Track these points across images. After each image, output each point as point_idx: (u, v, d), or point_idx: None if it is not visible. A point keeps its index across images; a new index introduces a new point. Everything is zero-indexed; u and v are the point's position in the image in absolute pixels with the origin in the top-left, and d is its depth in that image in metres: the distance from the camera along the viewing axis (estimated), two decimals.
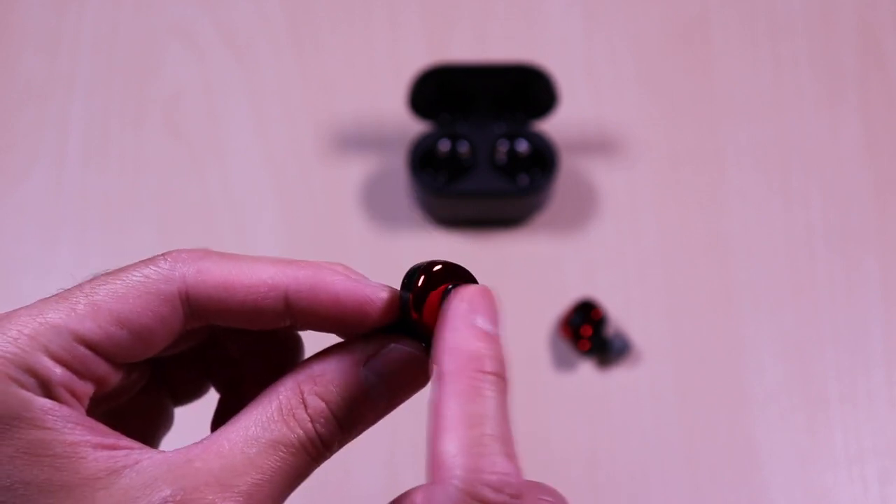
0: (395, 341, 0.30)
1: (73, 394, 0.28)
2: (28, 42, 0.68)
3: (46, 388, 0.27)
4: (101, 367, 0.28)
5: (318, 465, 0.29)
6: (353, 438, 0.29)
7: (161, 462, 0.27)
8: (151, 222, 0.63)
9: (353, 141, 0.65)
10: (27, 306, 0.28)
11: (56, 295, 0.28)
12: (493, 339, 0.28)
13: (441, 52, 0.66)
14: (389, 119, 0.65)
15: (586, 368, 0.60)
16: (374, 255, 0.62)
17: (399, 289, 0.29)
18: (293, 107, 0.67)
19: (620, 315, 0.60)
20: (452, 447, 0.26)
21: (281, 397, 0.28)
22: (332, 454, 0.29)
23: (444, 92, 0.62)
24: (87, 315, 0.28)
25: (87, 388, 0.28)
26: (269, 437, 0.27)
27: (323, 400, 0.28)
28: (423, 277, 0.29)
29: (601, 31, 0.69)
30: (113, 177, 0.65)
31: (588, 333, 0.59)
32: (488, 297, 0.28)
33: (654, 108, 0.67)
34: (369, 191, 0.64)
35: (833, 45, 0.68)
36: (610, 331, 0.60)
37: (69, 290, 0.28)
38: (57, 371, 0.27)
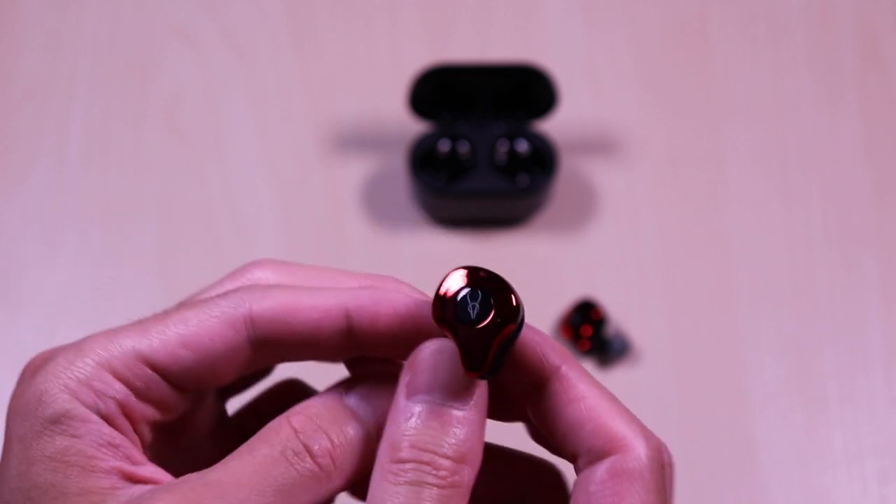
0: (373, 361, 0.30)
1: (129, 414, 0.28)
2: (28, 42, 0.68)
3: (101, 401, 0.28)
4: (164, 389, 0.29)
5: (318, 488, 0.28)
6: (354, 463, 0.29)
7: (158, 488, 0.27)
8: (151, 222, 0.63)
9: (353, 141, 0.66)
10: (104, 331, 0.29)
11: (134, 321, 0.30)
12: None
13: (441, 52, 0.66)
14: (389, 119, 0.65)
15: (586, 368, 0.60)
16: (374, 256, 0.62)
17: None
18: (293, 107, 0.67)
19: (620, 315, 0.61)
20: (622, 424, 0.29)
21: (270, 423, 0.28)
22: (333, 481, 0.28)
23: (444, 92, 0.62)
24: (156, 337, 0.29)
25: (144, 410, 0.29)
26: (251, 451, 0.27)
27: (308, 417, 0.28)
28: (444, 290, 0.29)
29: (601, 31, 0.69)
30: (113, 177, 0.65)
31: (588, 333, 0.59)
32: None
33: (654, 108, 0.67)
34: (369, 191, 0.64)
35: (833, 45, 0.68)
36: (610, 331, 0.60)
37: (145, 317, 0.30)
38: (115, 386, 0.28)
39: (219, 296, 0.30)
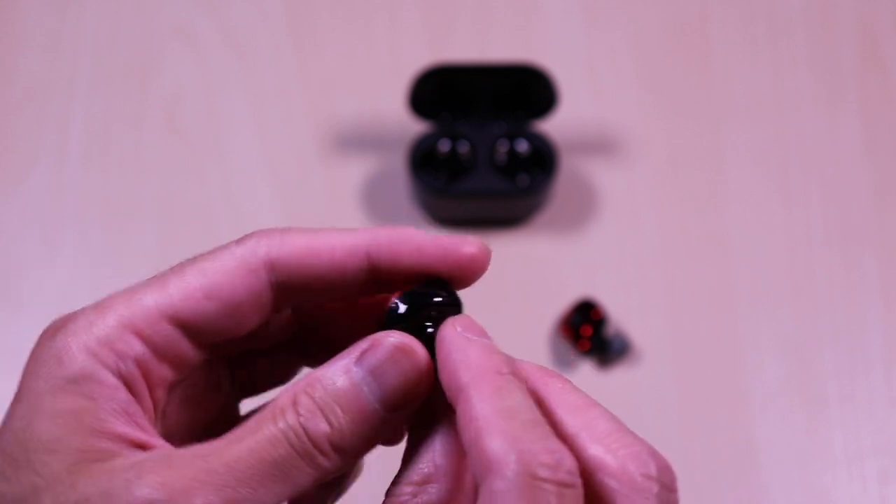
0: (391, 335, 0.29)
1: (147, 375, 0.29)
2: (28, 42, 0.68)
3: (122, 362, 0.28)
4: (183, 345, 0.29)
5: (313, 470, 0.27)
6: (355, 446, 0.28)
7: (153, 452, 0.27)
8: (151, 222, 0.63)
9: (353, 141, 0.66)
10: (123, 290, 0.29)
11: (149, 278, 0.29)
12: (494, 348, 0.28)
13: (441, 52, 0.66)
14: (389, 119, 0.65)
15: (586, 368, 0.60)
16: None
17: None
18: (293, 107, 0.67)
19: (620, 315, 0.61)
20: (497, 443, 0.25)
21: (277, 399, 0.28)
22: (330, 462, 0.28)
23: (444, 92, 0.62)
24: (176, 292, 0.29)
25: (161, 371, 0.29)
26: (256, 429, 0.27)
27: (311, 397, 0.28)
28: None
29: (601, 31, 0.69)
30: (113, 177, 0.65)
31: (588, 333, 0.59)
32: (473, 321, 0.29)
33: (654, 108, 0.67)
34: (369, 191, 0.64)
35: (833, 45, 0.68)
36: (610, 331, 0.60)
37: (162, 272, 0.30)
38: (136, 346, 0.28)
39: (234, 242, 0.30)
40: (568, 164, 0.64)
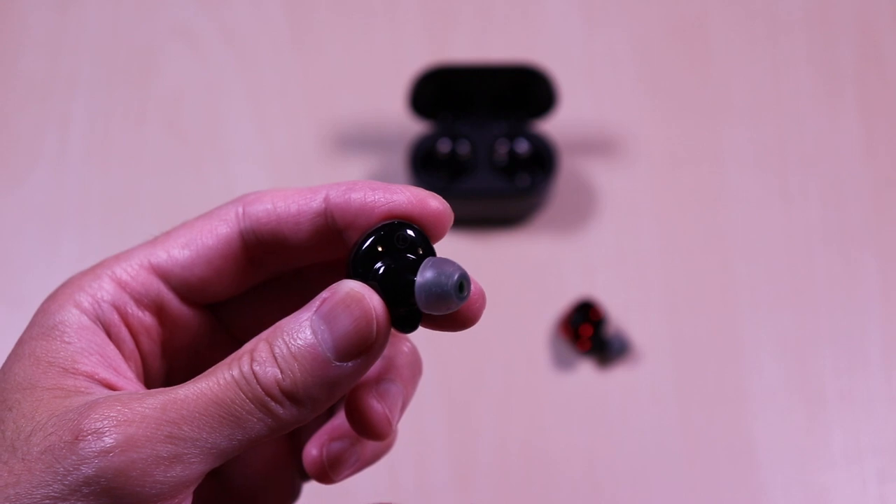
0: (348, 282, 0.29)
1: (128, 322, 0.30)
2: (28, 42, 0.68)
3: (99, 307, 0.30)
4: (165, 294, 0.31)
5: (266, 416, 0.28)
6: (309, 395, 0.28)
7: (118, 392, 0.28)
8: (152, 222, 0.63)
9: (353, 141, 0.66)
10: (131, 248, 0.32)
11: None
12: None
13: (441, 52, 0.66)
14: (389, 119, 0.65)
15: (586, 368, 0.60)
16: None
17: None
18: (293, 107, 0.67)
19: (620, 315, 0.61)
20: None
21: (240, 350, 0.29)
22: (284, 410, 0.28)
23: (444, 92, 0.62)
24: (161, 243, 0.32)
25: (143, 319, 0.31)
26: (212, 374, 0.28)
27: (269, 344, 0.28)
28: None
29: (601, 31, 0.69)
30: (113, 176, 0.65)
31: (588, 333, 0.59)
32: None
33: (654, 108, 0.67)
34: None
35: (832, 44, 0.68)
36: (610, 331, 0.60)
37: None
38: (114, 293, 0.30)
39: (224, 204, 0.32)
40: (568, 164, 0.64)
